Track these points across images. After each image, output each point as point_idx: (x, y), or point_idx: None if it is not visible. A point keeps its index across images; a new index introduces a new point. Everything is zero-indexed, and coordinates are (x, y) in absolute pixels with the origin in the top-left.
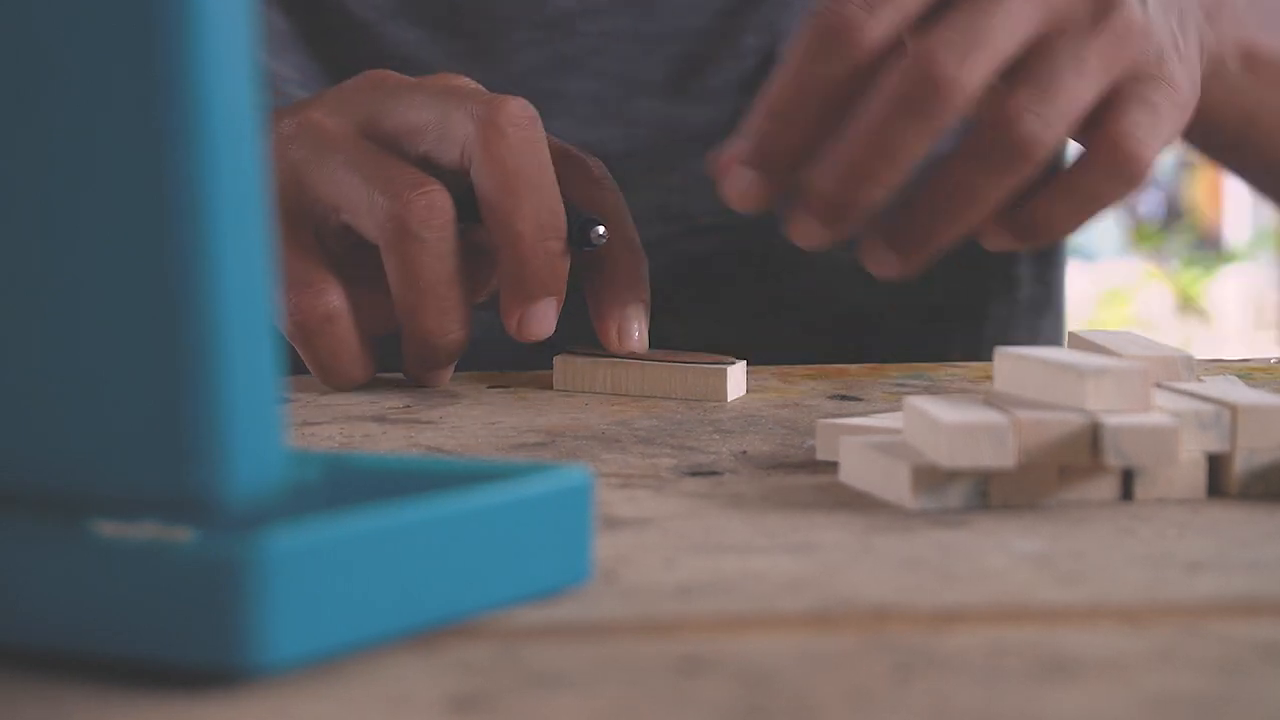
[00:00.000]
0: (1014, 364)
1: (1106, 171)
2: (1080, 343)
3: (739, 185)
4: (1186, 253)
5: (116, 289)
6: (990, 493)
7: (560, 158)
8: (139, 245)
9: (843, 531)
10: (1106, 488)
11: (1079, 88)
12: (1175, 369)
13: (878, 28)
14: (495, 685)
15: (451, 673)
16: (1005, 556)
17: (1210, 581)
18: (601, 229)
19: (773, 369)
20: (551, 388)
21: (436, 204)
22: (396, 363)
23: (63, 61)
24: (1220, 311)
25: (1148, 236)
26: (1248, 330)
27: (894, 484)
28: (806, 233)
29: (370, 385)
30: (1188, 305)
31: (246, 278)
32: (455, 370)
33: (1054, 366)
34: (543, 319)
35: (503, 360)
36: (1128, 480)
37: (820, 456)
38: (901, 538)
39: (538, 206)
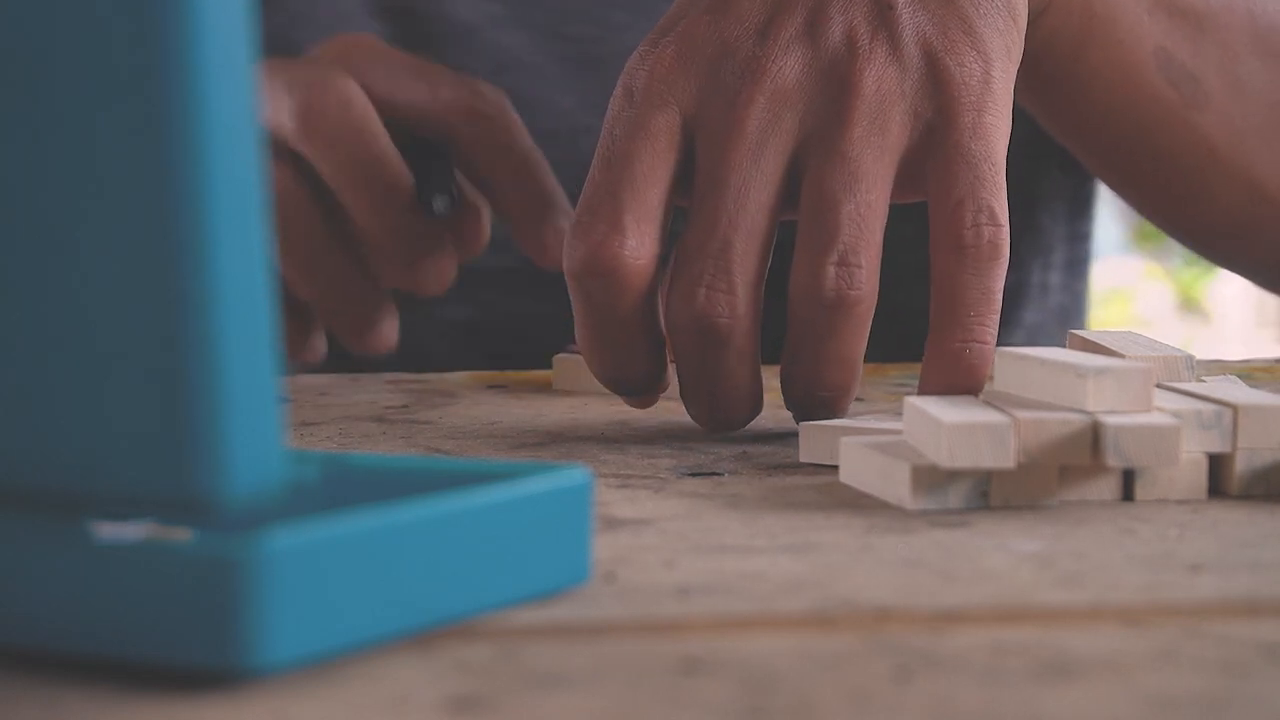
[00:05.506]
0: (1014, 364)
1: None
2: (1080, 342)
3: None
4: (1188, 252)
5: (116, 288)
6: (990, 493)
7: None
8: (138, 244)
9: (843, 532)
10: (1107, 488)
11: (884, 174)
12: (1176, 369)
13: (636, 248)
14: (495, 686)
15: (451, 673)
16: (1006, 557)
17: (1211, 582)
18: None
19: (773, 369)
20: (551, 388)
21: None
22: (389, 363)
23: (62, 62)
24: (1221, 311)
25: (1149, 235)
26: (1249, 330)
27: (894, 484)
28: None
29: (370, 385)
30: (1189, 305)
31: (246, 277)
32: (454, 370)
33: (1054, 366)
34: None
35: (501, 357)
36: (1128, 480)
37: (804, 458)
38: (901, 538)
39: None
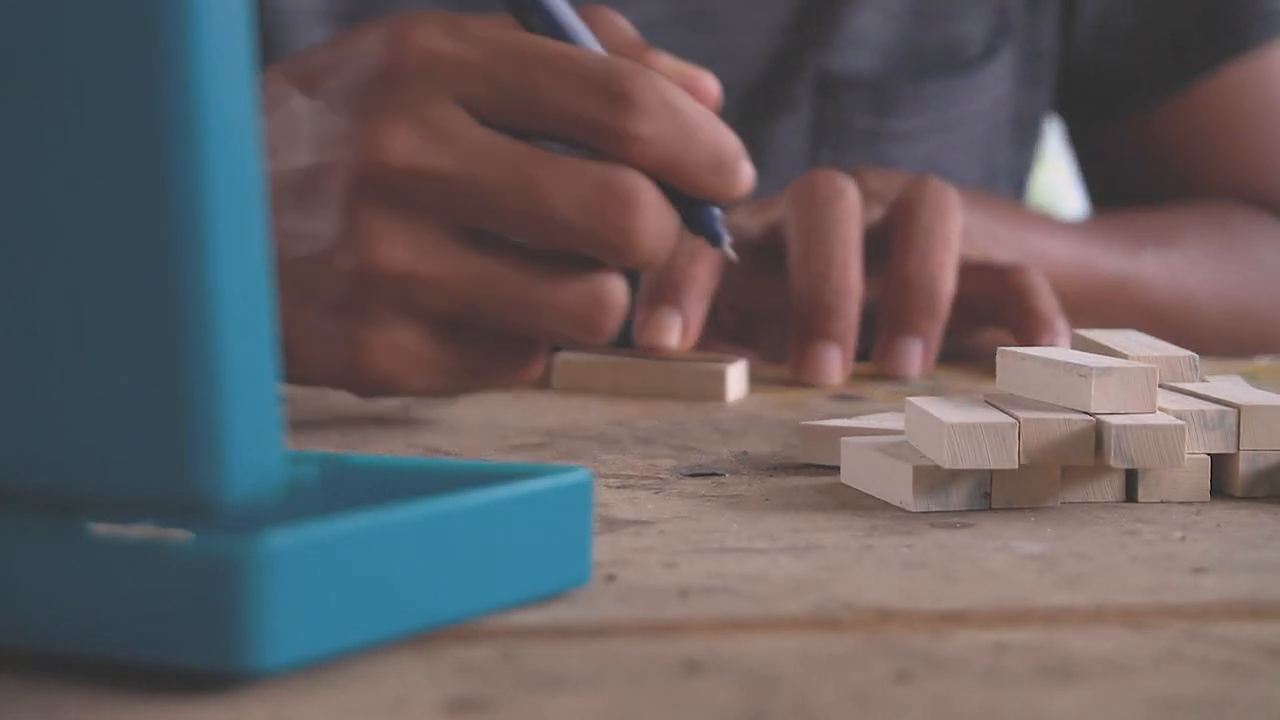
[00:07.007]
0: (1017, 364)
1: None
2: (1084, 343)
3: (831, 365)
4: None
5: (115, 289)
6: (993, 494)
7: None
8: (138, 244)
9: (844, 533)
10: (1110, 489)
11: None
12: (1180, 369)
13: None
14: (495, 686)
15: (451, 674)
16: (1008, 558)
17: (1214, 583)
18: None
19: (773, 369)
20: (551, 388)
21: None
22: None
23: (61, 61)
24: None
25: None
26: None
27: (896, 485)
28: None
29: None
30: None
31: (246, 278)
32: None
33: (1057, 366)
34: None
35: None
36: (1131, 481)
37: (803, 459)
38: (903, 539)
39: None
